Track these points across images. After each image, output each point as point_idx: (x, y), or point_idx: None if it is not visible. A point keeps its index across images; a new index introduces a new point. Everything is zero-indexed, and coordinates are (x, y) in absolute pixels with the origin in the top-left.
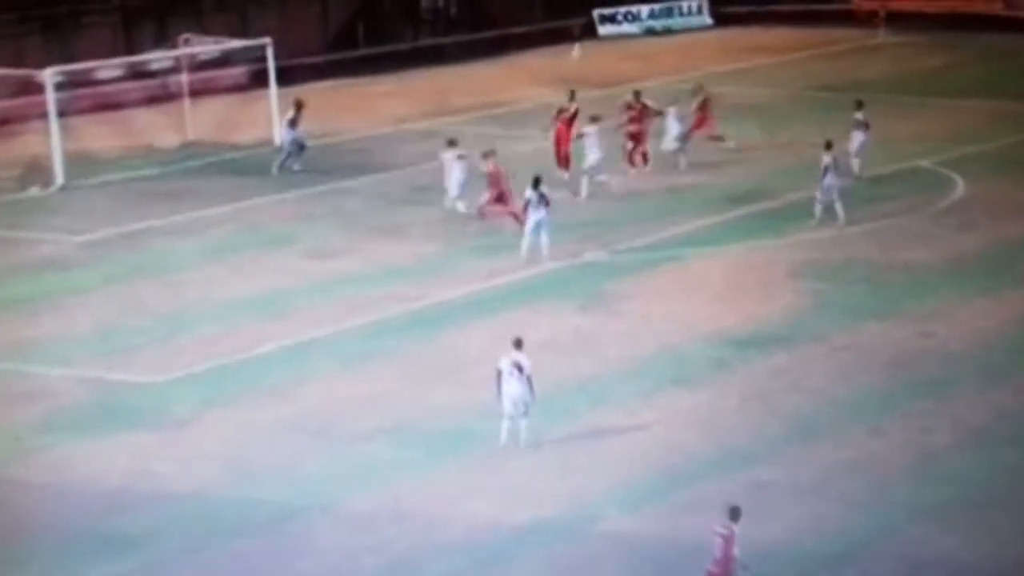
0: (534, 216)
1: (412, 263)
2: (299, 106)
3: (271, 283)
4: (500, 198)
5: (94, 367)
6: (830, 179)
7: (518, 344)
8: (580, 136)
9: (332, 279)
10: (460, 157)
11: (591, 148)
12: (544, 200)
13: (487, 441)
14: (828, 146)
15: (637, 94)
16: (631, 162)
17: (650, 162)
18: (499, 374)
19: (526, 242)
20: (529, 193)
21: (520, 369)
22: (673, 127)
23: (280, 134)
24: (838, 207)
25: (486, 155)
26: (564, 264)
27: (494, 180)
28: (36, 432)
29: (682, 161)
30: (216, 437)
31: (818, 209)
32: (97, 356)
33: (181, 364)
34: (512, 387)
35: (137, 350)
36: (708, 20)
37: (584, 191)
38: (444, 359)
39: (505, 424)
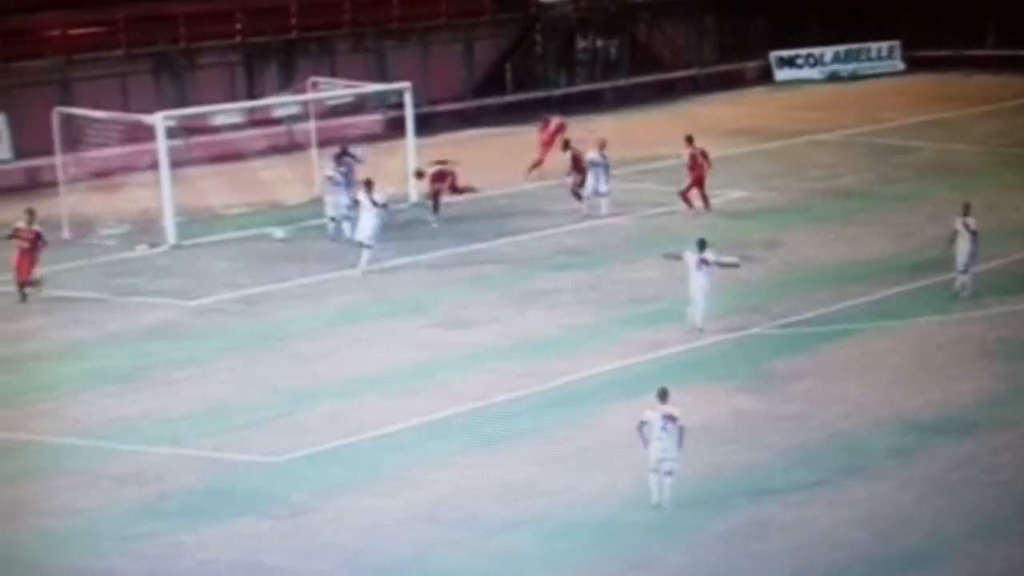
0: (695, 282)
1: (559, 334)
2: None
3: (401, 356)
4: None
5: (204, 446)
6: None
7: (664, 395)
8: None
9: (469, 352)
10: None
11: None
12: (705, 264)
13: (640, 534)
14: (966, 211)
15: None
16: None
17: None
18: (642, 425)
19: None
20: (688, 256)
21: (673, 420)
22: None
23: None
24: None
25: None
26: (726, 338)
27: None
28: (140, 518)
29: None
30: (338, 527)
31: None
32: (208, 434)
33: (300, 444)
34: (662, 443)
35: (252, 428)
36: (899, 65)
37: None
38: (593, 441)
39: (653, 479)
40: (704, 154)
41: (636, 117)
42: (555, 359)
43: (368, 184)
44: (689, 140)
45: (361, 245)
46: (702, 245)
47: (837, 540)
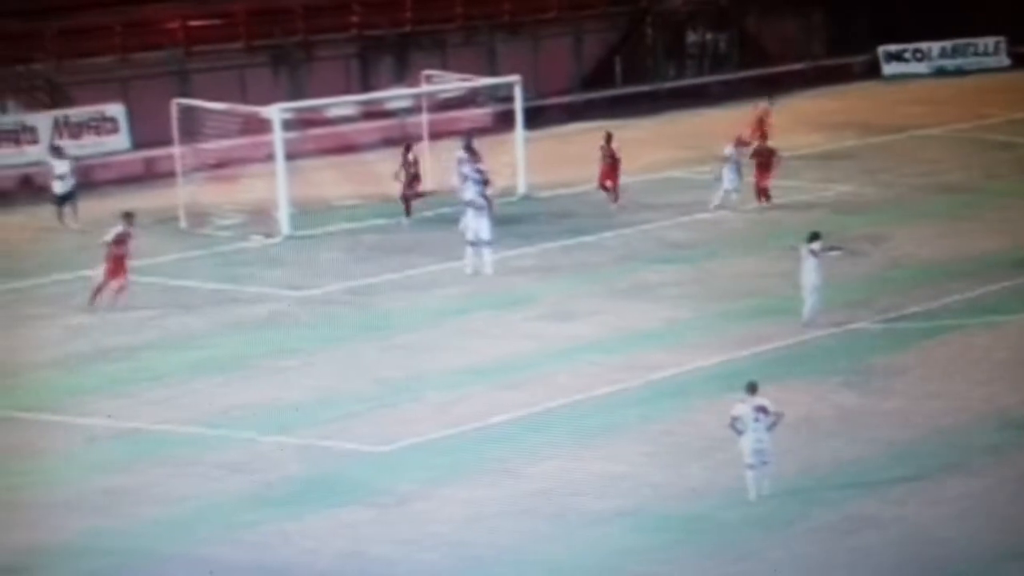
0: (805, 275)
1: (661, 327)
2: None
3: (505, 347)
4: None
5: (311, 435)
6: None
7: (753, 388)
8: None
9: (572, 344)
10: None
11: None
12: (813, 255)
13: (737, 528)
14: None
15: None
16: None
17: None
18: (734, 420)
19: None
20: (804, 249)
21: (765, 411)
22: None
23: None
24: None
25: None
26: (829, 332)
27: None
28: (246, 506)
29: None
30: (440, 517)
31: None
32: (315, 423)
33: (405, 435)
34: (757, 434)
35: (358, 418)
36: (1005, 61)
37: None
38: (692, 436)
39: (750, 475)
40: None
41: (743, 111)
42: (657, 352)
43: (486, 182)
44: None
45: (478, 244)
46: (814, 237)
47: (933, 536)
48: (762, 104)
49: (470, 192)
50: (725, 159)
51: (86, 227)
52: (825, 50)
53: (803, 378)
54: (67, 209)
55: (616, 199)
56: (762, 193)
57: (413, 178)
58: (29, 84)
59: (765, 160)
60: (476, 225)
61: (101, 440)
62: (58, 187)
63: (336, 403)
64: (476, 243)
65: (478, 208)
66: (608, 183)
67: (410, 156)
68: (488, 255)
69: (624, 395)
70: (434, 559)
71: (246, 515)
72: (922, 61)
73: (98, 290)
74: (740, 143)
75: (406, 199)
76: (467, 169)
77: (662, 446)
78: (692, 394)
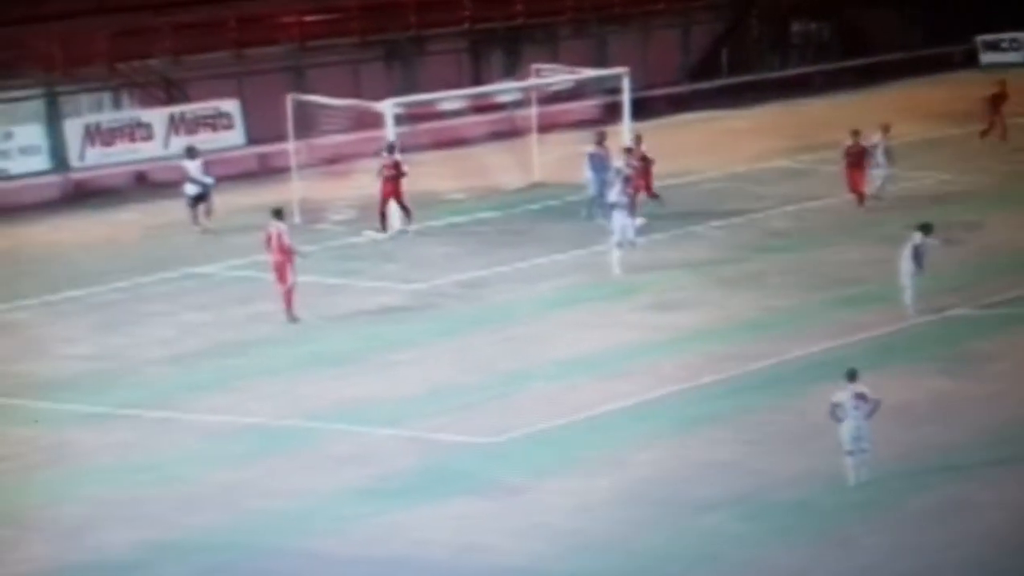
0: (906, 264)
1: (764, 316)
2: (601, 138)
3: (613, 338)
4: None
5: (423, 428)
6: None
7: (852, 376)
8: None
9: (678, 334)
10: None
11: None
12: (920, 244)
13: (838, 514)
14: None
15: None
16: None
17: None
18: (834, 408)
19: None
20: (918, 240)
21: (864, 398)
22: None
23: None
24: None
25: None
26: (926, 320)
27: None
28: (358, 499)
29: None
30: (550, 507)
31: None
32: (426, 416)
33: (515, 426)
34: (856, 421)
35: (469, 410)
36: None
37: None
38: (794, 424)
39: (849, 462)
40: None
41: (845, 101)
42: (760, 341)
43: (627, 180)
44: (856, 133)
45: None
46: (924, 228)
47: None
48: None
49: (614, 193)
50: (873, 147)
51: (215, 227)
52: (924, 40)
53: (900, 365)
54: (200, 209)
55: (654, 196)
56: (856, 194)
57: (391, 180)
58: (144, 79)
59: (856, 160)
60: (623, 224)
61: (216, 436)
62: (191, 188)
63: (447, 395)
64: (623, 243)
65: (622, 207)
66: (640, 186)
67: (395, 156)
68: (618, 254)
69: (727, 384)
70: (545, 549)
71: (359, 508)
72: (1020, 50)
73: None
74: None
75: (402, 207)
76: (620, 165)
77: (764, 434)
78: (793, 382)
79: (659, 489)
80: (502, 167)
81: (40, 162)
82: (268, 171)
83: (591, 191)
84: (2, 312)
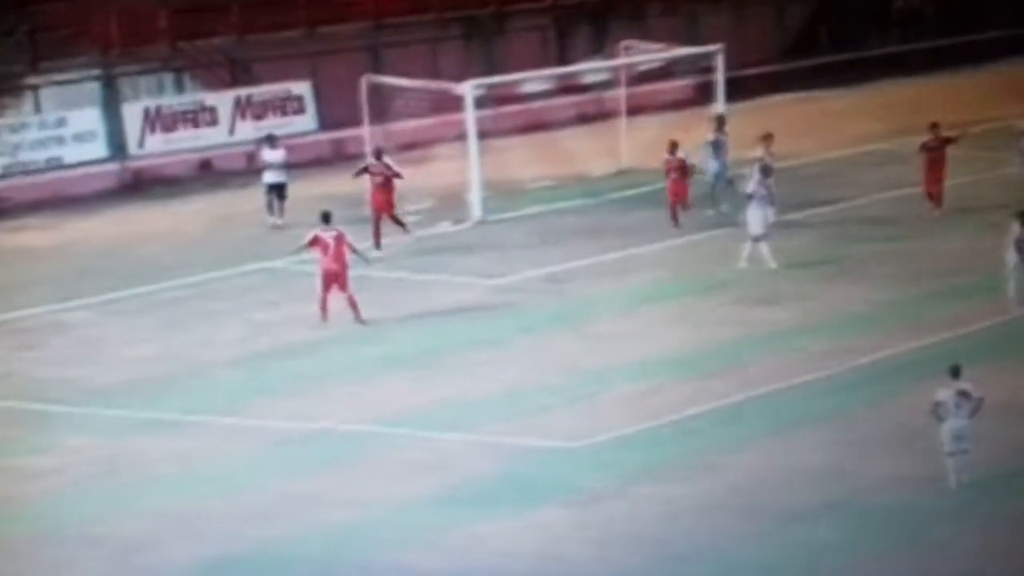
0: (1011, 255)
1: (865, 310)
2: (720, 123)
3: (703, 335)
4: None
5: (501, 432)
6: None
7: (956, 372)
8: None
9: (772, 330)
10: None
11: None
12: (1019, 243)
13: (931, 519)
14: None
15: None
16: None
17: None
18: (936, 406)
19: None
20: (1018, 230)
21: (967, 396)
22: None
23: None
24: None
25: None
26: None
27: None
28: (435, 509)
29: None
30: (635, 515)
31: None
32: (505, 419)
33: (598, 429)
34: (958, 421)
35: (550, 412)
36: None
37: None
38: (892, 423)
39: (950, 463)
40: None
41: (949, 80)
42: (859, 337)
43: (765, 170)
44: (935, 127)
45: (760, 238)
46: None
47: None
48: None
49: (752, 184)
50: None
51: (288, 222)
52: None
53: (1005, 360)
54: (277, 202)
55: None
56: (932, 198)
57: (382, 188)
58: (209, 60)
59: (937, 157)
60: (757, 217)
61: (284, 443)
62: (269, 177)
63: (526, 397)
64: (759, 237)
65: (760, 198)
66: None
67: (384, 160)
68: (765, 247)
69: (822, 383)
70: (630, 560)
71: (435, 518)
72: None
73: (352, 304)
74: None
75: (396, 221)
76: (760, 153)
77: (862, 435)
78: (893, 379)
79: (749, 496)
80: (588, 152)
81: (96, 150)
82: (342, 158)
83: (715, 181)
84: (58, 312)
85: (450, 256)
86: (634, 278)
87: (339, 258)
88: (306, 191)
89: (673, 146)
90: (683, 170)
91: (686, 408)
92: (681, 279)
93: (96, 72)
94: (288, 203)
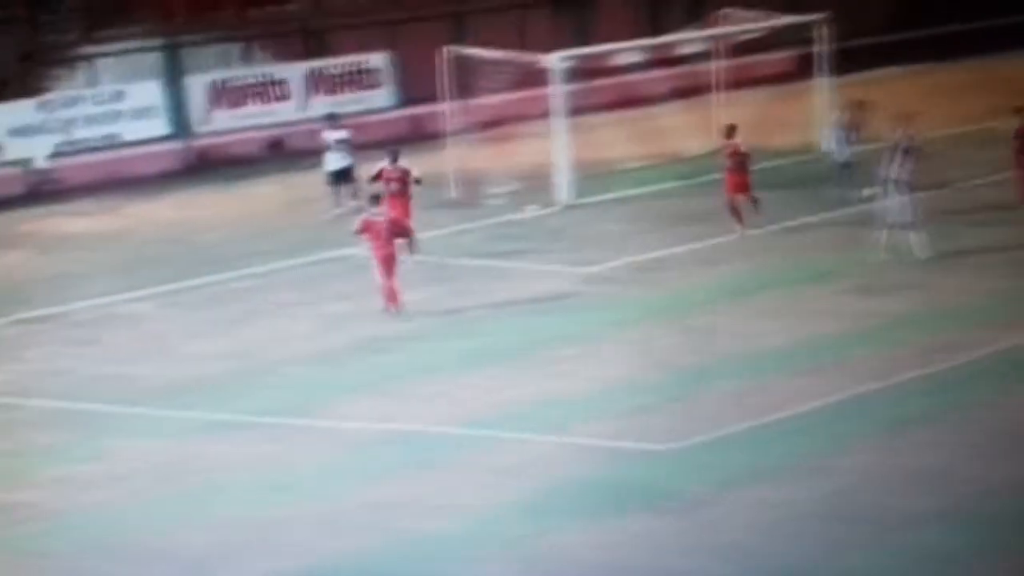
0: None
1: (980, 300)
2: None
3: (809, 327)
4: None
5: (595, 433)
6: None
7: None
8: None
9: (883, 322)
10: None
11: None
12: None
13: None
14: None
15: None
16: None
17: None
18: None
19: None
20: None
21: None
22: None
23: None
24: None
25: None
26: None
27: None
28: (525, 516)
29: None
30: (738, 523)
31: None
32: (599, 419)
33: (698, 430)
34: None
35: (646, 412)
36: None
37: None
38: (1012, 423)
39: None
40: None
41: None
42: (975, 329)
43: (907, 152)
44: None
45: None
46: None
47: None
48: None
49: (895, 168)
50: None
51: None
52: None
53: None
54: (344, 188)
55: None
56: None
57: (398, 196)
58: (280, 29)
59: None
60: (902, 204)
61: (362, 447)
62: (332, 162)
63: (621, 396)
64: (902, 226)
65: (903, 183)
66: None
67: (400, 165)
68: (915, 236)
69: (937, 378)
70: (733, 571)
71: (523, 527)
72: None
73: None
74: None
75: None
76: (899, 135)
77: (979, 436)
78: (1013, 376)
79: (860, 501)
80: (683, 130)
81: (157, 127)
82: (422, 136)
83: (840, 164)
84: (117, 304)
85: (536, 243)
86: (733, 266)
87: (392, 242)
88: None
89: (730, 130)
90: (739, 158)
91: (789, 407)
92: (782, 268)
93: (157, 41)
94: (364, 186)
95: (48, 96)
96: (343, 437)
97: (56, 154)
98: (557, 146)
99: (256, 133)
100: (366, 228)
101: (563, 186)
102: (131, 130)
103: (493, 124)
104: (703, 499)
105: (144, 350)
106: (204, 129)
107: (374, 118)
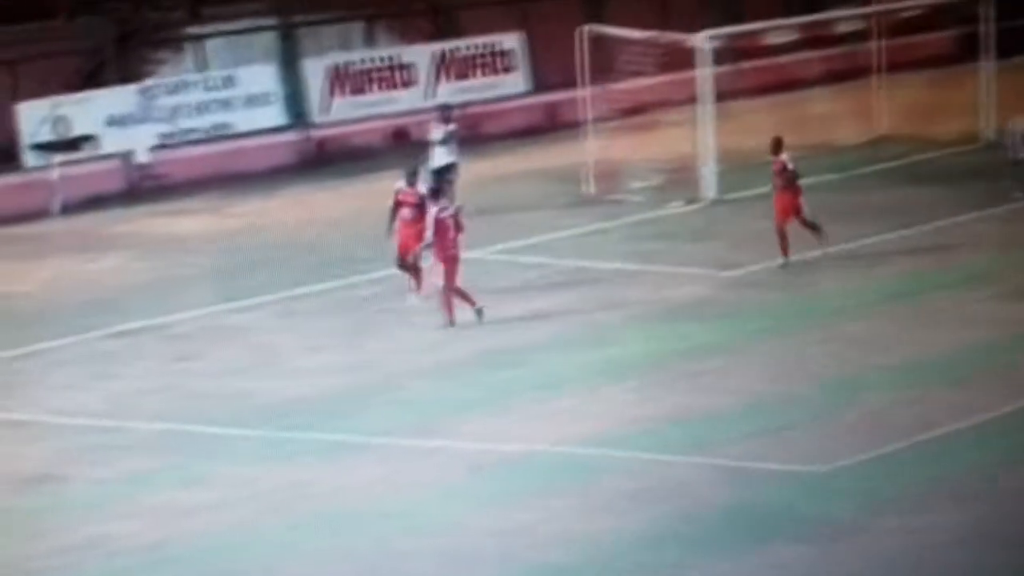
0: None
1: None
2: None
3: (964, 336)
4: None
5: (735, 454)
6: None
7: None
8: None
9: None
10: None
11: None
12: None
13: None
14: None
15: None
16: None
17: None
18: None
19: None
20: None
21: None
22: None
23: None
24: None
25: None
26: None
27: None
28: (660, 545)
29: None
30: (888, 549)
31: None
32: (739, 438)
33: (845, 450)
34: None
35: (791, 431)
36: None
37: None
38: None
39: None
40: None
41: None
42: None
43: None
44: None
45: None
46: None
47: None
48: None
49: None
50: None
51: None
52: None
53: None
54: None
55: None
56: None
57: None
58: (407, 8)
59: None
60: None
61: (485, 469)
62: (439, 157)
63: (764, 413)
64: None
65: None
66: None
67: (418, 188)
68: None
69: None
70: None
71: (660, 555)
72: None
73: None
74: None
75: (409, 267)
76: None
77: None
78: None
79: (1006, 529)
80: (838, 116)
81: (272, 116)
82: (556, 126)
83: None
84: (225, 314)
85: (679, 242)
86: (887, 269)
87: (458, 241)
88: (514, 167)
89: (776, 144)
90: (787, 177)
91: (945, 423)
92: (938, 270)
93: (272, 21)
94: (492, 181)
95: (150, 82)
96: (465, 459)
97: (159, 146)
98: (703, 135)
99: (379, 122)
100: (437, 229)
101: (709, 179)
102: (242, 120)
103: (633, 111)
104: (850, 525)
105: (254, 365)
106: (323, 118)
107: (505, 106)
